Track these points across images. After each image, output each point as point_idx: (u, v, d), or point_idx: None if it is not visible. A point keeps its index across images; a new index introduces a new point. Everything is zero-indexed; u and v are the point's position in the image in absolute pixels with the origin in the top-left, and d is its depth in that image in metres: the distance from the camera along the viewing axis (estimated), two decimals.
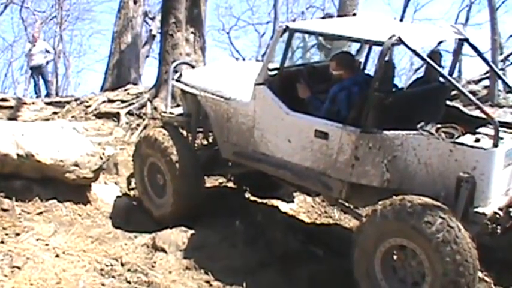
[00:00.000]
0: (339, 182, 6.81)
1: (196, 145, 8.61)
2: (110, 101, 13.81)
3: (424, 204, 5.90)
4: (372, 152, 6.47)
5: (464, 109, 7.54)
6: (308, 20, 8.85)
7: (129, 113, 13.18)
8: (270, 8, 31.20)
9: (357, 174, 6.64)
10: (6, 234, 6.84)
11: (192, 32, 14.56)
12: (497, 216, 6.22)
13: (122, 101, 13.78)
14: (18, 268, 6.11)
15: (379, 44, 6.56)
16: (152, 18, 23.31)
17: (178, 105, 9.71)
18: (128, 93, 14.36)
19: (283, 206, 9.08)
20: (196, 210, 8.17)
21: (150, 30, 23.56)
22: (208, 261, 7.23)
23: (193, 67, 9.91)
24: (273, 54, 7.49)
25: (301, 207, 9.27)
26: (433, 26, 7.72)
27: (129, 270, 6.68)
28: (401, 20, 26.48)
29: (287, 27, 7.13)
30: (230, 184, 9.70)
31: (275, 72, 7.34)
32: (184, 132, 8.55)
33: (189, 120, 8.51)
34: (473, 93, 13.53)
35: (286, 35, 7.18)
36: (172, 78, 8.75)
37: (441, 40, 7.50)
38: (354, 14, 14.98)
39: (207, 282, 6.91)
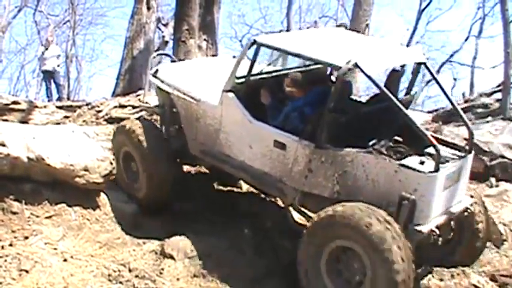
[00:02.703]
0: (293, 189, 7.31)
1: (169, 134, 8.89)
2: (121, 106, 13.78)
3: (366, 208, 6.33)
4: (324, 166, 6.96)
5: (417, 127, 7.81)
6: (276, 34, 9.02)
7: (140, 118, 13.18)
8: (283, 16, 31.25)
9: (309, 185, 7.13)
10: (15, 237, 6.83)
11: (204, 39, 14.61)
12: (434, 233, 6.72)
13: (133, 107, 13.77)
14: (26, 271, 6.11)
15: (336, 68, 6.93)
16: (165, 25, 23.37)
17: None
18: (140, 99, 14.36)
19: (295, 212, 9.04)
20: (169, 195, 8.49)
21: (163, 37, 23.61)
22: (216, 268, 7.24)
23: (173, 60, 10.37)
24: (240, 64, 7.62)
25: (314, 212, 9.22)
26: (397, 46, 7.96)
27: (136, 276, 6.67)
28: (413, 31, 26.64)
29: (255, 41, 7.58)
30: (238, 189, 9.75)
31: (242, 80, 7.66)
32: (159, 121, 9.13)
33: (163, 111, 8.98)
34: (486, 106, 13.48)
35: (254, 48, 7.57)
36: (151, 68, 9.14)
37: (400, 64, 7.69)
38: (367, 25, 15.02)
39: None
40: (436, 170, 6.44)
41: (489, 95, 14.55)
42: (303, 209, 7.85)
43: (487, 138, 11.35)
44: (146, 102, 9.43)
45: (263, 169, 7.51)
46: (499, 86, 14.40)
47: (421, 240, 6.61)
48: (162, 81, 8.71)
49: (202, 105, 8.04)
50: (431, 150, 6.77)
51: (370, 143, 6.88)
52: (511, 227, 8.70)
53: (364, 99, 8.53)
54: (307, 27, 30.66)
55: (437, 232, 6.76)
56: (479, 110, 13.24)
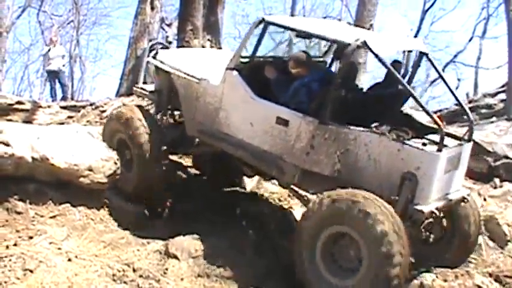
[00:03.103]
0: (293, 167, 7.35)
1: (164, 122, 8.98)
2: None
3: (366, 196, 6.39)
4: (326, 143, 7.01)
5: (416, 117, 8.04)
6: (284, 15, 9.22)
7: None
8: None
9: (310, 162, 7.18)
10: (20, 237, 6.84)
11: (208, 40, 14.59)
12: (434, 215, 6.79)
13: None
14: (31, 271, 6.11)
15: (345, 44, 6.98)
16: (169, 25, 23.34)
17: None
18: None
19: (298, 212, 9.04)
20: (158, 186, 8.52)
21: (167, 37, 23.56)
22: (220, 269, 7.24)
23: (167, 48, 10.49)
24: (247, 43, 7.84)
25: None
26: (400, 36, 8.13)
27: (141, 276, 6.67)
28: (417, 32, 26.62)
29: (263, 19, 7.60)
30: (242, 190, 9.77)
31: (246, 60, 7.80)
32: (153, 109, 9.17)
33: (159, 97, 9.00)
34: (490, 106, 13.48)
35: (261, 26, 7.63)
36: (148, 55, 9.26)
37: (406, 50, 7.89)
38: (371, 25, 15.00)
39: None
40: (439, 150, 6.54)
41: (493, 95, 14.57)
42: (300, 191, 8.01)
43: (491, 139, 11.36)
44: (142, 88, 9.39)
45: (263, 147, 7.54)
46: (503, 86, 14.42)
47: (415, 234, 6.77)
48: (162, 63, 8.78)
49: (203, 84, 8.08)
50: (431, 137, 6.88)
51: (373, 125, 6.91)
52: None
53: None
54: None
55: (437, 213, 6.84)
56: (483, 111, 13.26)
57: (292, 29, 7.85)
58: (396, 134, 6.89)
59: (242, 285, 7.03)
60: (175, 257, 7.32)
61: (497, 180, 10.78)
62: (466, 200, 7.44)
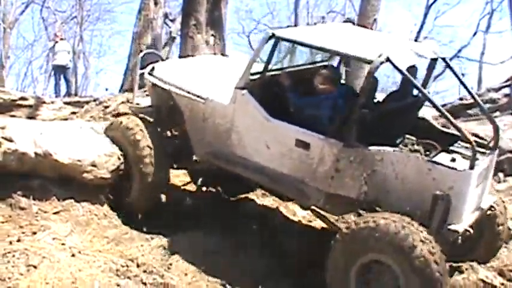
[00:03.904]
0: (316, 191, 6.98)
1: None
2: (129, 101, 13.80)
3: (400, 220, 6.09)
4: (352, 166, 6.67)
5: (434, 122, 7.89)
6: (295, 27, 8.83)
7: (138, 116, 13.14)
8: (291, 12, 31.28)
9: (335, 185, 6.82)
10: (23, 233, 6.84)
11: (212, 35, 14.58)
12: (468, 233, 6.58)
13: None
14: (34, 267, 6.10)
15: (367, 62, 6.69)
16: (172, 20, 23.36)
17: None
18: (147, 95, 14.34)
19: (300, 212, 9.03)
20: (159, 199, 8.30)
21: (170, 32, 23.61)
22: (224, 265, 7.26)
23: (162, 58, 9.83)
24: (256, 60, 7.39)
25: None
26: (412, 42, 7.82)
27: (144, 271, 6.66)
28: (421, 26, 26.54)
29: (273, 34, 7.20)
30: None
31: (257, 76, 7.36)
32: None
33: (158, 114, 8.48)
34: (494, 101, 13.44)
35: (271, 41, 7.21)
36: (141, 68, 8.75)
37: (426, 58, 7.55)
38: (375, 20, 14.94)
39: (223, 285, 6.94)
40: (471, 167, 6.29)
41: (497, 90, 14.50)
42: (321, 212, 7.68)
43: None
44: (137, 104, 8.95)
45: (281, 170, 7.14)
46: (507, 81, 14.36)
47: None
48: (161, 80, 8.27)
49: (210, 104, 7.60)
50: (455, 148, 6.80)
51: (397, 141, 6.76)
52: None
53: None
54: (315, 23, 30.61)
55: (471, 231, 6.62)
56: (487, 105, 13.17)
57: (307, 45, 7.44)
58: (423, 149, 6.77)
59: (244, 282, 7.03)
60: (179, 253, 7.31)
61: (501, 174, 10.76)
62: (493, 209, 7.33)
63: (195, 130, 7.89)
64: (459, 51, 30.02)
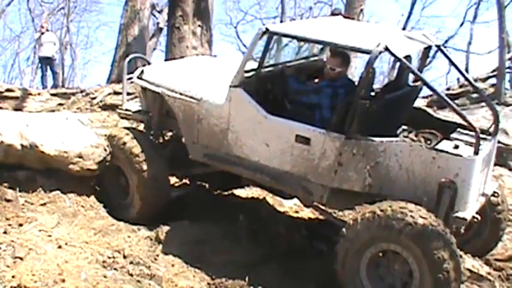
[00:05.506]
0: (320, 186, 6.87)
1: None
2: (116, 93, 13.76)
3: (409, 208, 6.10)
4: (355, 158, 6.59)
5: (430, 111, 7.91)
6: (289, 22, 8.68)
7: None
8: (278, 2, 31.30)
9: (339, 180, 6.73)
10: (9, 225, 6.81)
11: (199, 26, 14.57)
12: (475, 220, 6.68)
13: (128, 93, 13.72)
14: (21, 259, 6.08)
15: (366, 52, 6.62)
16: (160, 11, 23.32)
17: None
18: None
19: (287, 202, 9.04)
20: (163, 209, 8.04)
21: (157, 23, 23.57)
22: (211, 255, 7.26)
23: (148, 62, 9.72)
24: (250, 57, 7.22)
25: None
26: (413, 32, 7.79)
27: (131, 262, 6.65)
28: (408, 17, 26.56)
29: (267, 29, 7.05)
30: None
31: (251, 73, 7.22)
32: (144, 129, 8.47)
33: (148, 118, 8.34)
34: (481, 91, 13.50)
35: (265, 37, 7.06)
36: (129, 73, 8.63)
37: (423, 47, 7.53)
38: (361, 10, 14.99)
39: (210, 276, 6.93)
40: (476, 152, 6.30)
41: (484, 80, 14.57)
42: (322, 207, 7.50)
43: (482, 123, 11.34)
44: (126, 109, 8.68)
45: (283, 168, 7.01)
46: (494, 71, 14.44)
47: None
48: (151, 83, 8.10)
49: (204, 105, 7.42)
50: (456, 135, 6.83)
51: (397, 132, 6.75)
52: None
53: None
54: (302, 14, 30.65)
55: (479, 218, 6.69)
56: (474, 95, 13.25)
57: (302, 39, 7.37)
58: (424, 138, 6.80)
59: (235, 272, 6.99)
60: (166, 244, 7.33)
61: None
62: (496, 195, 7.38)
63: (189, 132, 7.71)
64: (446, 41, 30.10)
